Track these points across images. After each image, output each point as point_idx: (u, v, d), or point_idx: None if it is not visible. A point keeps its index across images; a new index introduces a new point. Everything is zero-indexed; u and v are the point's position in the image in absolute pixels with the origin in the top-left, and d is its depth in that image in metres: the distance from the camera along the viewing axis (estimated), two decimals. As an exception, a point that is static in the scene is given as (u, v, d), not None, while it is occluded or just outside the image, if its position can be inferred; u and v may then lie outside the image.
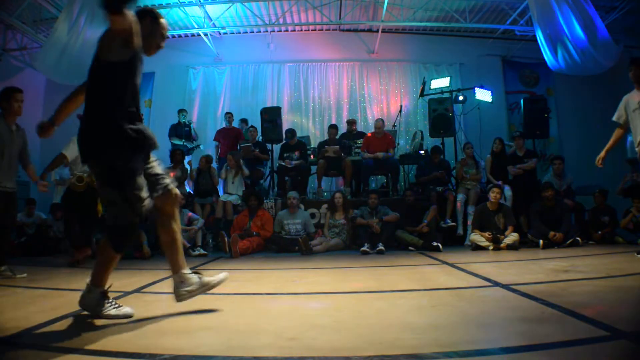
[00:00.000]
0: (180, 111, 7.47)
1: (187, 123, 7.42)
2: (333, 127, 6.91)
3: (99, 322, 1.83)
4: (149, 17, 1.95)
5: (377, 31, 8.59)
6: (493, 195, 5.03)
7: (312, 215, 5.98)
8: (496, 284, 2.54)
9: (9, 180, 3.47)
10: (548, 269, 3.15)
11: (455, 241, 5.59)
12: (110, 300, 1.92)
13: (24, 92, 3.52)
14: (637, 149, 3.63)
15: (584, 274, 2.80)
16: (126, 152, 1.78)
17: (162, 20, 2.00)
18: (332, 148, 6.44)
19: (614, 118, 3.81)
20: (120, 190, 1.77)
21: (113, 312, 1.88)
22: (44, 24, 7.46)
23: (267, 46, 8.81)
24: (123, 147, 1.77)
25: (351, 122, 7.46)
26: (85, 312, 2.02)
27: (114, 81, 1.81)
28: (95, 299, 1.89)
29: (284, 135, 6.77)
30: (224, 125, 7.52)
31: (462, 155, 6.38)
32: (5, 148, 3.39)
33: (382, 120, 6.73)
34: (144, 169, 1.90)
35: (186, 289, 1.98)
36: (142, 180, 1.85)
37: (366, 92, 8.79)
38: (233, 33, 8.78)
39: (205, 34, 8.40)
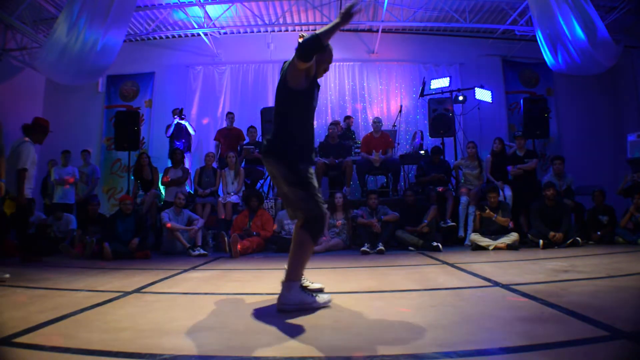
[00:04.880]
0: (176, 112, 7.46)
1: (182, 124, 7.43)
2: (334, 125, 6.89)
3: (98, 322, 1.83)
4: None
5: (377, 31, 8.60)
6: (491, 199, 5.12)
7: (312, 216, 5.97)
8: (496, 284, 2.54)
9: None
10: (548, 269, 3.15)
11: (455, 241, 5.58)
12: (312, 294, 2.08)
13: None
14: None
15: (584, 274, 2.80)
16: (305, 164, 2.15)
17: (330, 47, 2.29)
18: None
19: None
20: (306, 190, 2.10)
21: (319, 299, 2.05)
22: (44, 24, 7.45)
23: (267, 46, 8.80)
24: (303, 160, 2.15)
25: (348, 118, 7.40)
26: (85, 313, 2.02)
27: (298, 105, 2.17)
28: (298, 292, 2.03)
29: None
30: (224, 125, 7.52)
31: (462, 155, 6.37)
32: None
33: (379, 121, 6.70)
34: None
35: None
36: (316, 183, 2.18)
37: (366, 92, 8.79)
38: (233, 33, 8.78)
39: (205, 34, 8.39)
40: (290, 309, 1.97)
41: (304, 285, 2.15)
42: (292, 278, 2.04)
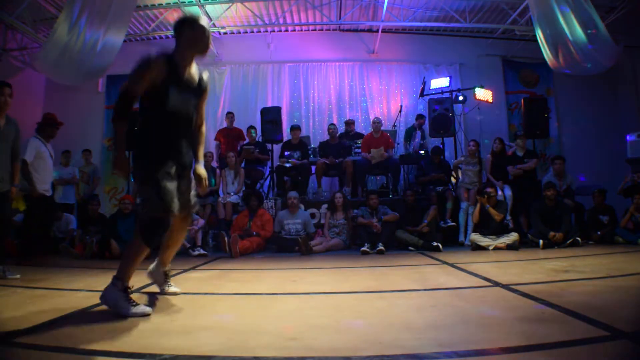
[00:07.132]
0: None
1: None
2: (333, 125, 6.97)
3: (98, 322, 1.83)
4: (186, 24, 2.16)
5: (377, 31, 8.59)
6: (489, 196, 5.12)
7: (312, 215, 5.98)
8: (496, 284, 2.54)
9: (1, 179, 3.32)
10: (548, 269, 3.15)
11: (455, 241, 5.59)
12: (131, 300, 1.96)
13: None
14: None
15: (584, 274, 2.80)
16: (153, 161, 2.08)
17: (199, 26, 2.16)
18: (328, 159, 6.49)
19: None
20: (147, 184, 2.03)
21: (132, 310, 1.92)
22: (44, 24, 7.45)
23: (267, 46, 8.80)
24: (152, 157, 2.09)
25: (349, 123, 7.48)
26: (85, 313, 2.02)
27: (151, 104, 2.14)
28: (117, 293, 1.96)
29: (287, 133, 6.81)
30: (224, 125, 7.52)
31: (462, 154, 6.37)
32: None
33: (379, 121, 6.70)
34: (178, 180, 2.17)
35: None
36: (172, 185, 2.08)
37: (366, 92, 8.78)
38: (233, 33, 8.77)
39: (205, 34, 8.39)
40: (107, 305, 1.96)
41: (130, 287, 2.02)
42: (118, 276, 2.00)
